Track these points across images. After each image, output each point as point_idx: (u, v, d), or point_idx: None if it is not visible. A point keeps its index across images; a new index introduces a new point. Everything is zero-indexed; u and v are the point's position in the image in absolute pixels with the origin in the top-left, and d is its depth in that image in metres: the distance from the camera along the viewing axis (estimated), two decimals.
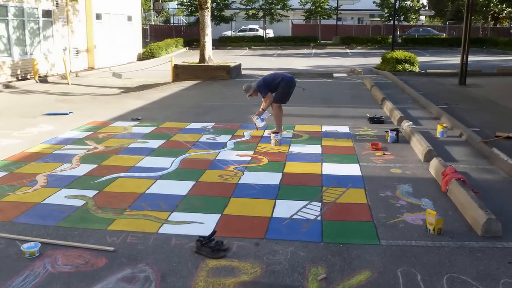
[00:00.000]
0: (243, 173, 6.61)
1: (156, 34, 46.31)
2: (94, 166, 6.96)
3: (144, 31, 39.71)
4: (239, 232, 4.68)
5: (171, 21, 58.57)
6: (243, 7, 44.36)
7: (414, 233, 4.66)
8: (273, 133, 8.48)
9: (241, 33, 46.59)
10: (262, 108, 8.79)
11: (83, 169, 6.79)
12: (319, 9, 44.24)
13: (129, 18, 28.60)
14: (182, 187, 6.03)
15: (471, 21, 17.04)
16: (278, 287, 3.74)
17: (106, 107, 12.38)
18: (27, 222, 4.94)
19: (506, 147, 7.54)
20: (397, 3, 37.64)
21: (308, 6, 44.39)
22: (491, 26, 50.23)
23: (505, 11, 47.00)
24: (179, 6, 50.83)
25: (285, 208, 5.31)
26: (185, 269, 3.97)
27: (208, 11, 19.81)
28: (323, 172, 6.67)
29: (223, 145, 8.20)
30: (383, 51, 28.67)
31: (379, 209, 5.27)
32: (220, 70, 19.01)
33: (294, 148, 7.97)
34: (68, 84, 17.52)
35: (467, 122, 9.73)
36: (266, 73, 9.66)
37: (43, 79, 18.48)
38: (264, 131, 9.08)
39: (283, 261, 4.11)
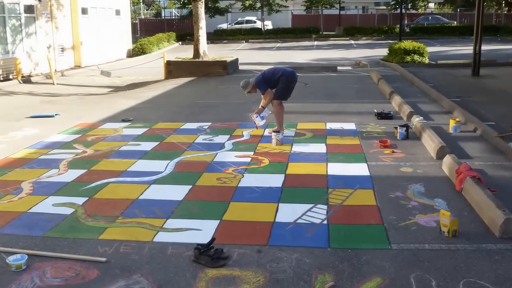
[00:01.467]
0: (243, 176, 6.61)
1: (146, 29, 46.37)
2: (83, 171, 6.96)
3: (133, 26, 39.79)
4: (240, 239, 4.68)
5: (163, 14, 58.61)
6: None
7: (428, 236, 4.66)
8: (274, 132, 8.48)
9: (237, 26, 46.55)
10: (261, 106, 8.79)
11: (71, 175, 6.79)
12: None
13: (117, 12, 28.63)
14: (178, 192, 6.03)
15: (484, 7, 17.04)
16: None
17: (95, 108, 12.38)
18: (13, 232, 4.94)
19: None
20: None
21: None
22: (505, 12, 50.24)
23: None
24: None
25: (288, 212, 5.31)
26: (182, 280, 3.97)
27: (202, 2, 19.82)
28: (329, 173, 6.67)
29: (221, 146, 8.20)
30: (390, 41, 28.72)
31: (389, 211, 5.27)
32: (216, 66, 19.02)
33: (297, 148, 7.97)
34: (53, 84, 17.55)
35: (482, 116, 9.73)
36: (265, 67, 9.66)
37: (27, 79, 18.50)
38: (264, 130, 9.08)
39: (287, 268, 4.11)
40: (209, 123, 9.96)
